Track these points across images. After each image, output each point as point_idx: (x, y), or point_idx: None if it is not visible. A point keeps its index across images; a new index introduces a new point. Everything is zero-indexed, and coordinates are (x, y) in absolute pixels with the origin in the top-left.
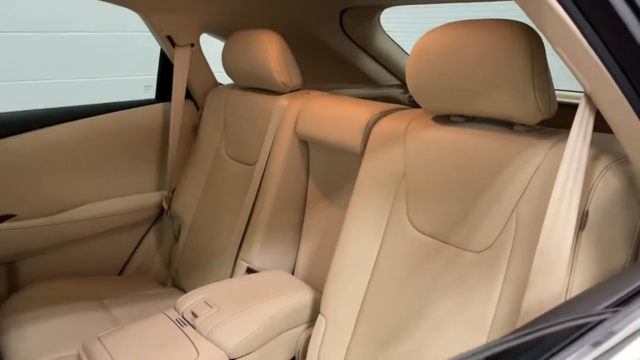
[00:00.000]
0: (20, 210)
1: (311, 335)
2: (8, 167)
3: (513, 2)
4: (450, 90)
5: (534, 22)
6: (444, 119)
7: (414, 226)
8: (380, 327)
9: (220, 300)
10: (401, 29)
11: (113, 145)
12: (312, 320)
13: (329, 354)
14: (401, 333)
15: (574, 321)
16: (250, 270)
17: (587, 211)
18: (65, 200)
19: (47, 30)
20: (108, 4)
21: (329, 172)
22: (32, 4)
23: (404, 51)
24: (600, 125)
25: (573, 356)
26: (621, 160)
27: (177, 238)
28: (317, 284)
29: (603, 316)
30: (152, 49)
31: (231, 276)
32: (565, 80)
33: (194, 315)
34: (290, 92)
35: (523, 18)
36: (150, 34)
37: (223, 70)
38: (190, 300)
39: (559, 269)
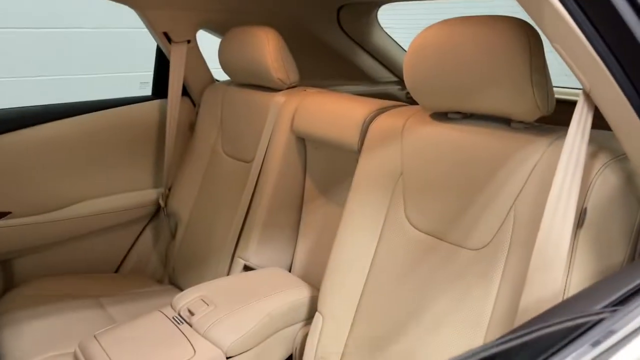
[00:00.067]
0: (15, 207)
1: (308, 332)
2: (3, 164)
3: None
4: (448, 87)
5: (532, 18)
6: (441, 115)
7: (411, 223)
8: (378, 324)
9: (217, 298)
10: (399, 26)
11: (109, 143)
12: (309, 318)
13: (326, 351)
14: (398, 330)
15: (573, 321)
16: (247, 268)
17: (585, 209)
18: (61, 198)
19: (43, 26)
20: (104, 0)
21: (326, 169)
22: (29, 1)
23: (402, 48)
24: (599, 122)
25: (573, 355)
26: (619, 157)
27: (173, 235)
28: (314, 281)
29: (602, 315)
30: (148, 45)
31: (228, 274)
32: (562, 77)
33: (191, 313)
34: (287, 88)
35: (522, 15)
36: (146, 30)
37: (219, 67)
38: (186, 298)
39: (557, 266)
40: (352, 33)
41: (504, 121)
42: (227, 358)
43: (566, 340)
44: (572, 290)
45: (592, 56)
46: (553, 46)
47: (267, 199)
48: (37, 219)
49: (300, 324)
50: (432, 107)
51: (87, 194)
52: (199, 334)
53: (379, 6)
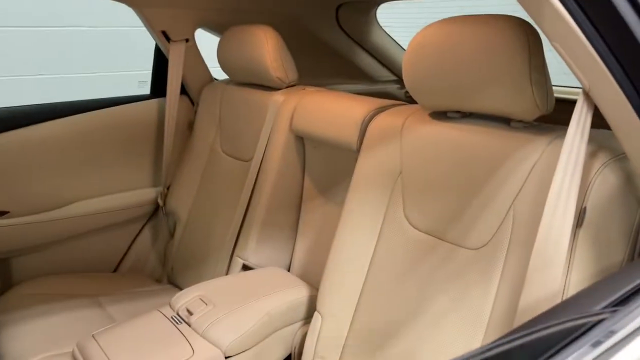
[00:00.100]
0: (13, 207)
1: (307, 332)
2: (1, 164)
3: None
4: (447, 86)
5: (532, 18)
6: (440, 115)
7: (410, 223)
8: (377, 324)
9: (216, 298)
10: (398, 24)
11: (108, 142)
12: (308, 317)
13: (325, 351)
14: (398, 330)
15: (573, 321)
16: (246, 267)
17: (585, 208)
18: (59, 197)
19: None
20: None
21: (325, 168)
22: (29, 0)
23: (401, 47)
24: (598, 121)
25: (573, 356)
26: (619, 157)
27: (172, 235)
28: (313, 280)
29: (602, 316)
30: (148, 44)
31: (227, 273)
32: (562, 75)
33: (189, 312)
34: (286, 87)
35: (521, 14)
36: (145, 29)
37: (218, 66)
38: (185, 298)
39: (556, 266)
40: (351, 32)
41: (504, 120)
42: (225, 357)
43: (566, 341)
44: (572, 290)
45: (592, 55)
46: (552, 45)
47: (266, 198)
48: (36, 218)
49: (299, 324)
50: (431, 106)
51: (85, 193)
52: (198, 333)
53: (378, 5)
